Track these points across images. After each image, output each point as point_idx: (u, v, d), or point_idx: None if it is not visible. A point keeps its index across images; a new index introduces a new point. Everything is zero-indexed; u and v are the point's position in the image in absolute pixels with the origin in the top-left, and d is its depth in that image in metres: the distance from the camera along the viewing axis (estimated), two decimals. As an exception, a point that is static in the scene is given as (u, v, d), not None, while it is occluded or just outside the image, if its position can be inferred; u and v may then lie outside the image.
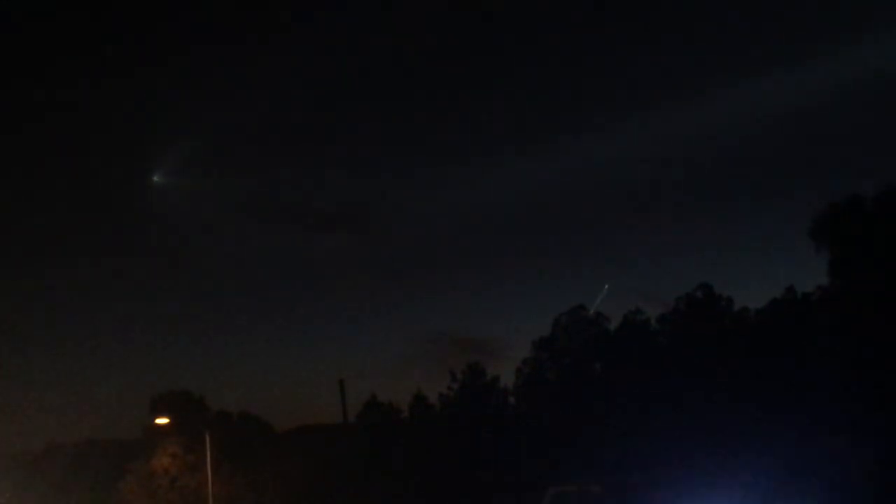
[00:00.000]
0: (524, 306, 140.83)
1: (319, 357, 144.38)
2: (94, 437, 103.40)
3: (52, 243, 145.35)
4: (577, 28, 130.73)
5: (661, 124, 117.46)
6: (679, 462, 53.18)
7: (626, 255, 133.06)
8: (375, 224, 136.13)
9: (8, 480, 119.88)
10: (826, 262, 54.64)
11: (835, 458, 48.44)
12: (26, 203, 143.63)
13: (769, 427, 52.78)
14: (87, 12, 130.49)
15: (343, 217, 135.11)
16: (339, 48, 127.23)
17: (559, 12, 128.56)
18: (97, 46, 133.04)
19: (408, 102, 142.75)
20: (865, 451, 47.27)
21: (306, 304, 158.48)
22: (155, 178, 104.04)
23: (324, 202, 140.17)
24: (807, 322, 57.28)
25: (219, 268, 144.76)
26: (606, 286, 73.47)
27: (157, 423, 73.31)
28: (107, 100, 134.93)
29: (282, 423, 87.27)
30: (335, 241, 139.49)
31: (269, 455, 76.61)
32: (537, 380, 69.16)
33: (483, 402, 71.16)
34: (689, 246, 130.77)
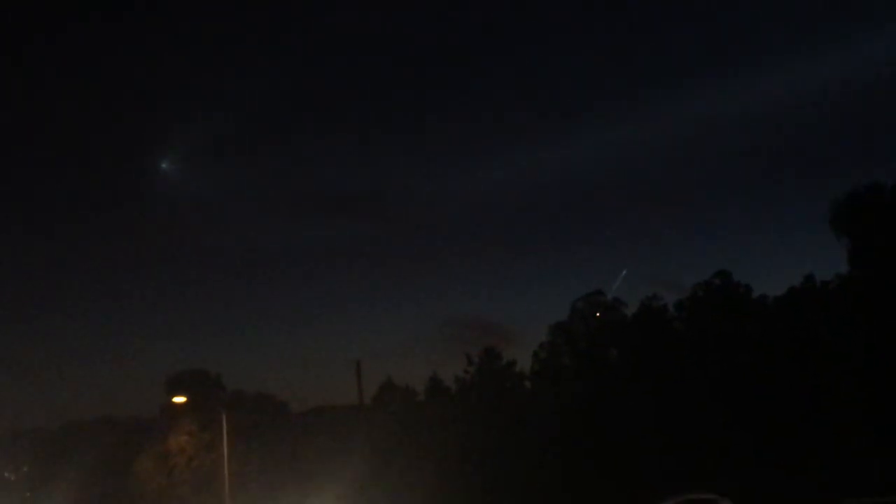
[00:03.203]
0: (541, 291, 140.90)
1: (336, 339, 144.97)
2: (110, 414, 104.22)
3: (72, 227, 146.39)
4: (596, 16, 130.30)
5: (681, 113, 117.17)
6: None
7: (644, 241, 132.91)
8: (394, 208, 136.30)
9: (26, 457, 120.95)
10: (845, 251, 54.46)
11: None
12: (46, 189, 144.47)
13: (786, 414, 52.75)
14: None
15: (361, 201, 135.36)
16: (358, 35, 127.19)
17: (583, 7, 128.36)
18: (107, 37, 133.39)
19: (430, 90, 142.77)
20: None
21: (323, 287, 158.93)
22: (163, 166, 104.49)
23: (342, 186, 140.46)
24: (825, 310, 56.97)
25: (237, 251, 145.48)
26: (624, 272, 73.34)
27: (173, 402, 73.57)
28: (118, 89, 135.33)
29: (297, 404, 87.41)
30: (354, 224, 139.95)
31: (284, 435, 76.82)
32: (553, 364, 68.95)
33: (499, 386, 71.01)
34: (708, 233, 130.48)
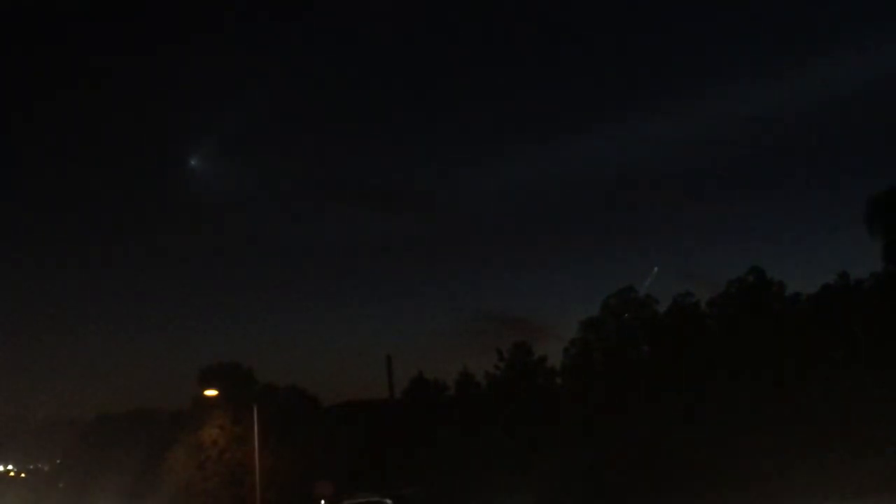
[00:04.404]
0: (573, 286, 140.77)
1: (367, 333, 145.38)
2: (144, 406, 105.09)
3: (106, 222, 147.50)
4: (629, 8, 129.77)
5: (714, 107, 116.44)
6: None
7: (677, 237, 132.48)
8: (425, 202, 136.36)
9: (60, 448, 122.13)
10: (880, 248, 54.05)
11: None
12: (80, 184, 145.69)
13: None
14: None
15: (393, 195, 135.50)
16: (395, 31, 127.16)
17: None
18: (137, 29, 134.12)
19: (464, 84, 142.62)
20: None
21: (356, 281, 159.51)
22: (192, 163, 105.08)
23: (373, 181, 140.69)
24: (859, 308, 56.51)
25: (270, 245, 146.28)
26: (656, 268, 72.94)
27: (205, 395, 73.99)
28: (144, 86, 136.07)
29: (328, 397, 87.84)
30: (385, 219, 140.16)
31: (315, 429, 77.03)
32: (584, 361, 68.82)
33: (530, 382, 70.95)
34: (741, 229, 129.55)
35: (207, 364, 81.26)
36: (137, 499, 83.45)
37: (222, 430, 77.37)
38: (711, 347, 61.02)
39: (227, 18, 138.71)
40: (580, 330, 69.72)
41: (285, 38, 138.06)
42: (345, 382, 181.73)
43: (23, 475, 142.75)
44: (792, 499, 46.05)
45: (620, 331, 68.06)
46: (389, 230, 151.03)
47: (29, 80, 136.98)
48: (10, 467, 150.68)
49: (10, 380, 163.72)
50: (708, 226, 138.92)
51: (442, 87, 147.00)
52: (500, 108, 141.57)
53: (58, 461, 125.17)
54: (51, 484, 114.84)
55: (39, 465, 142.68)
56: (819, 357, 55.09)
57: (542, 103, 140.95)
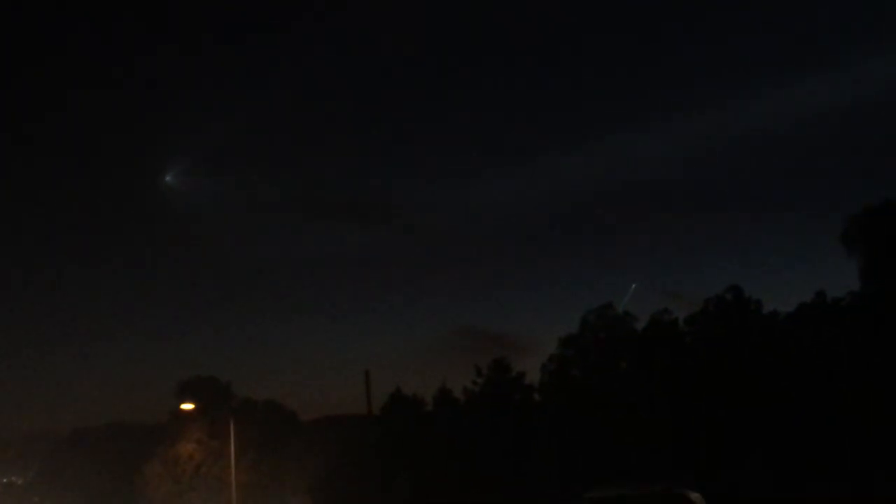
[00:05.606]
0: (552, 303, 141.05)
1: (345, 348, 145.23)
2: (120, 420, 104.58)
3: (84, 235, 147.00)
4: (615, 29, 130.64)
5: (694, 126, 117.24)
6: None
7: (656, 255, 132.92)
8: (405, 217, 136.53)
9: (35, 461, 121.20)
10: (857, 268, 54.33)
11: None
12: (62, 196, 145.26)
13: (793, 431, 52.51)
14: (101, 8, 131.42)
15: (373, 210, 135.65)
16: (372, 44, 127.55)
17: (599, 12, 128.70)
18: (114, 44, 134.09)
19: (444, 100, 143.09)
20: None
21: (334, 295, 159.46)
22: (167, 179, 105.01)
23: (353, 196, 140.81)
24: (836, 328, 56.70)
25: (249, 259, 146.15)
26: (634, 285, 73.27)
27: (182, 409, 73.67)
28: (124, 103, 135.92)
29: (307, 412, 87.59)
30: (365, 233, 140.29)
31: (293, 444, 76.81)
32: (563, 377, 68.83)
33: (508, 398, 70.91)
34: (719, 248, 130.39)
35: (185, 378, 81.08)
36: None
37: (199, 444, 77.10)
38: (689, 364, 61.09)
39: (205, 38, 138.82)
40: (559, 346, 69.77)
41: (264, 55, 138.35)
42: (323, 397, 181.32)
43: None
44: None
45: (599, 347, 68.11)
46: (369, 244, 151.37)
47: (21, 82, 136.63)
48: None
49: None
50: (687, 243, 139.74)
51: (423, 102, 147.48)
52: (482, 124, 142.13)
53: (32, 474, 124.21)
54: (25, 498, 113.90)
55: (13, 479, 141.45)
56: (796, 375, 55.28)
57: (523, 121, 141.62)
